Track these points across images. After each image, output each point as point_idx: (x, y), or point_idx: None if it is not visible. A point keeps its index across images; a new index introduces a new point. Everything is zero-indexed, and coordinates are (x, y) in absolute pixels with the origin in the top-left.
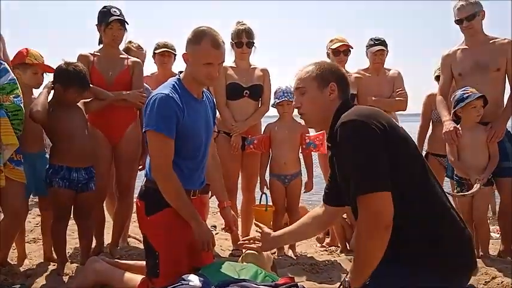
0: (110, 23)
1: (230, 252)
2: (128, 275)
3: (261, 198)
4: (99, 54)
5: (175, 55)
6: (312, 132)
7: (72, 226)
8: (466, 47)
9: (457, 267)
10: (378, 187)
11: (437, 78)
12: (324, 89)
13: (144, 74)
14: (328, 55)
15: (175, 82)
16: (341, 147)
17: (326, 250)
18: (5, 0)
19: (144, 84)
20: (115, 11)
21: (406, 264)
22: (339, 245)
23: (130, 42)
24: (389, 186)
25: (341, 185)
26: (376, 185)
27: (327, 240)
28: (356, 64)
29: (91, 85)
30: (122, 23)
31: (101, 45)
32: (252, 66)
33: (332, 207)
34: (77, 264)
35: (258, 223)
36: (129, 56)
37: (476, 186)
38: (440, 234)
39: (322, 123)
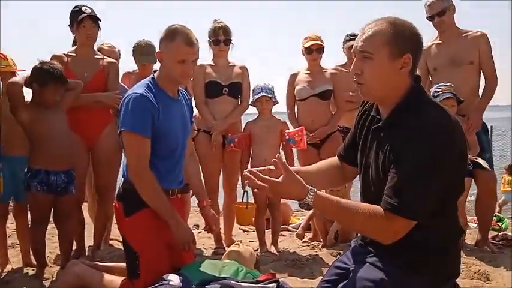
0: (82, 20)
1: (213, 250)
2: (108, 277)
3: (243, 197)
4: (73, 54)
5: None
6: (292, 129)
7: (51, 230)
8: (440, 41)
9: (447, 277)
10: (417, 217)
11: None
12: (396, 59)
13: (126, 70)
14: (302, 53)
15: (150, 81)
16: (406, 154)
17: (308, 245)
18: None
19: (121, 84)
20: (86, 9)
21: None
22: (321, 240)
23: (103, 43)
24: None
25: (376, 173)
26: (416, 215)
27: (309, 235)
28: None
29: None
30: (94, 20)
31: (75, 47)
32: (230, 64)
33: (349, 166)
34: (57, 268)
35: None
36: (104, 56)
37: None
38: (448, 248)
39: (383, 99)
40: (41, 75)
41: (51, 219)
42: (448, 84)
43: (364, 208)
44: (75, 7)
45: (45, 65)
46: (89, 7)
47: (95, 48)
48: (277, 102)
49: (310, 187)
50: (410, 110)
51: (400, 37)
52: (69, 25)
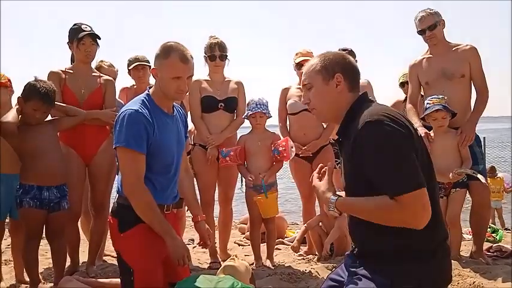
0: (82, 38)
1: (208, 265)
2: None
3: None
4: (71, 71)
5: (149, 66)
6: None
7: (45, 246)
8: (431, 55)
9: (440, 282)
10: (419, 182)
11: (401, 85)
12: (329, 81)
13: (122, 86)
14: (293, 68)
15: (145, 97)
16: (367, 146)
17: (304, 259)
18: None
19: (118, 99)
20: (86, 27)
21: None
22: (317, 253)
23: (102, 61)
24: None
25: (348, 181)
26: (420, 182)
27: (304, 249)
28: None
29: (62, 104)
30: (94, 38)
31: (73, 64)
32: (226, 79)
33: None
34: (50, 285)
35: None
36: (101, 74)
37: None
38: (433, 247)
39: (335, 118)
40: (27, 89)
41: (44, 235)
42: (441, 96)
43: (376, 204)
44: (74, 24)
45: (36, 81)
46: (88, 25)
47: (94, 66)
48: (271, 116)
49: (331, 197)
50: (354, 116)
51: (326, 62)
52: (67, 42)
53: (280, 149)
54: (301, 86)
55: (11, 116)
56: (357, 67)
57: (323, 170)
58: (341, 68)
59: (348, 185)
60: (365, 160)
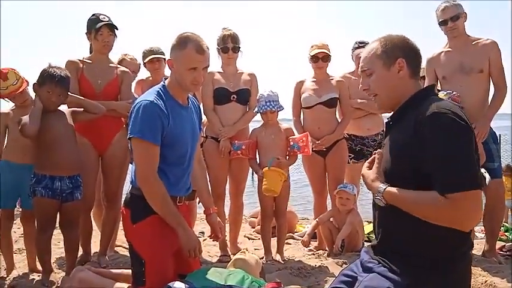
0: (100, 28)
1: (218, 258)
2: (114, 284)
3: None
4: (88, 61)
5: (165, 59)
6: (297, 135)
7: (57, 235)
8: (450, 49)
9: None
10: (476, 182)
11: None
12: (391, 66)
13: (138, 79)
14: (308, 60)
15: (160, 88)
16: (433, 135)
17: (314, 254)
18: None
19: (134, 93)
20: (104, 17)
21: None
22: (327, 248)
23: (125, 54)
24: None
25: (393, 167)
26: (479, 182)
27: (315, 244)
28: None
29: (81, 98)
30: (112, 28)
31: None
32: (239, 71)
33: None
34: (62, 274)
35: None
36: (118, 65)
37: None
38: (459, 254)
39: (395, 105)
40: (41, 74)
41: (57, 225)
42: (446, 92)
43: (425, 201)
44: (92, 15)
45: (50, 67)
46: (106, 15)
47: (117, 59)
48: (283, 108)
49: (380, 185)
50: (416, 104)
51: (388, 47)
52: (86, 33)
53: (301, 144)
54: (359, 72)
55: (32, 118)
56: (419, 51)
57: (372, 158)
58: (403, 52)
59: (391, 171)
60: (426, 149)
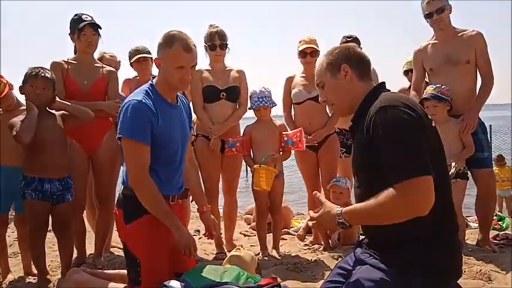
0: (83, 28)
1: (214, 255)
2: (109, 284)
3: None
4: (73, 62)
5: (151, 58)
6: (290, 130)
7: (52, 238)
8: (436, 41)
9: (447, 273)
10: (422, 169)
11: (405, 73)
12: (337, 74)
13: (125, 78)
14: (297, 56)
15: (149, 88)
16: (379, 129)
17: (309, 248)
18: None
19: (121, 93)
20: (86, 17)
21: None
22: (322, 242)
23: (104, 52)
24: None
25: (358, 167)
26: (425, 169)
27: (310, 238)
28: None
29: (69, 104)
30: (95, 27)
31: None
32: (227, 68)
33: None
34: (58, 276)
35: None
36: (104, 65)
37: (452, 170)
38: (442, 237)
39: (353, 109)
40: (25, 74)
41: (50, 227)
42: (436, 85)
43: (377, 200)
44: (75, 15)
45: (30, 68)
46: (89, 15)
47: (96, 56)
48: (275, 105)
49: (336, 210)
50: (370, 102)
51: (331, 58)
52: (69, 33)
53: (295, 139)
54: (315, 84)
55: (26, 127)
56: (363, 55)
57: (316, 198)
58: (345, 58)
59: (357, 171)
60: (375, 144)
